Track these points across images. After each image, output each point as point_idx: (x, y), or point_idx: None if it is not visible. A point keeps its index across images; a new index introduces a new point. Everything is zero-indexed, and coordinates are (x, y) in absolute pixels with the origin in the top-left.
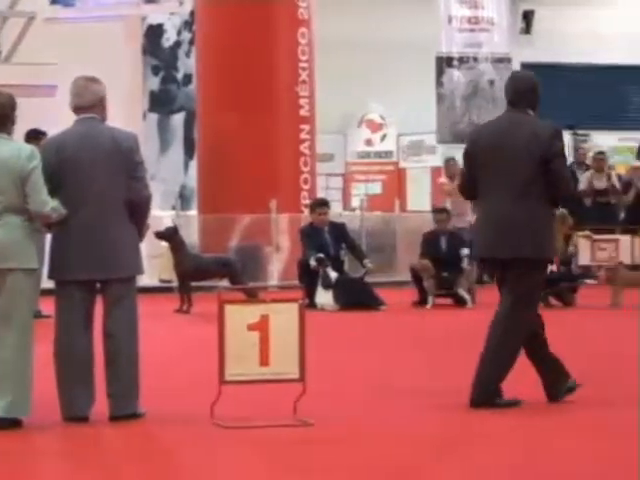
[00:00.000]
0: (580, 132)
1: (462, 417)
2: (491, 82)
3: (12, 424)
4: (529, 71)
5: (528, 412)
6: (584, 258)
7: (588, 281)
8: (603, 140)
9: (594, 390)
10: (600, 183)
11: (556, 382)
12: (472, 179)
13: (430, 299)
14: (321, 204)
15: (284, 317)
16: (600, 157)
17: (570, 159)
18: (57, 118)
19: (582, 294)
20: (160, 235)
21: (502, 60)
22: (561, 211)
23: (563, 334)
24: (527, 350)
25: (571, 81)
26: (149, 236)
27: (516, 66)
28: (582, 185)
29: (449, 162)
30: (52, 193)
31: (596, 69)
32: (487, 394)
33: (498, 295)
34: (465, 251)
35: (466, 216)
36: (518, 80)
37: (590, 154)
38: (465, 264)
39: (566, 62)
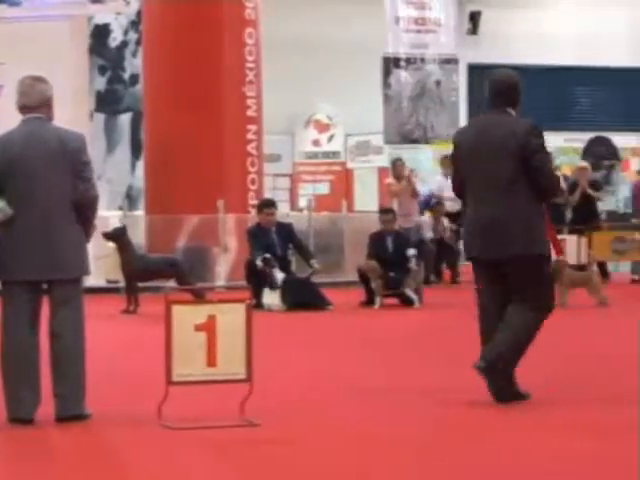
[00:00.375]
0: None
1: (413, 415)
2: (438, 83)
3: None
4: (508, 69)
5: (493, 409)
6: None
7: None
8: (549, 141)
9: (562, 390)
10: None
11: None
12: (460, 180)
13: (377, 299)
14: (268, 204)
15: (231, 318)
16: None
17: None
18: (3, 118)
19: None
20: (108, 236)
21: (449, 61)
22: None
23: None
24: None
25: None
26: (96, 236)
27: (463, 67)
28: None
29: (396, 162)
30: None
31: (542, 70)
32: (510, 386)
33: (474, 294)
34: (411, 251)
35: (413, 216)
36: (497, 79)
37: None
38: (412, 264)
39: (512, 63)
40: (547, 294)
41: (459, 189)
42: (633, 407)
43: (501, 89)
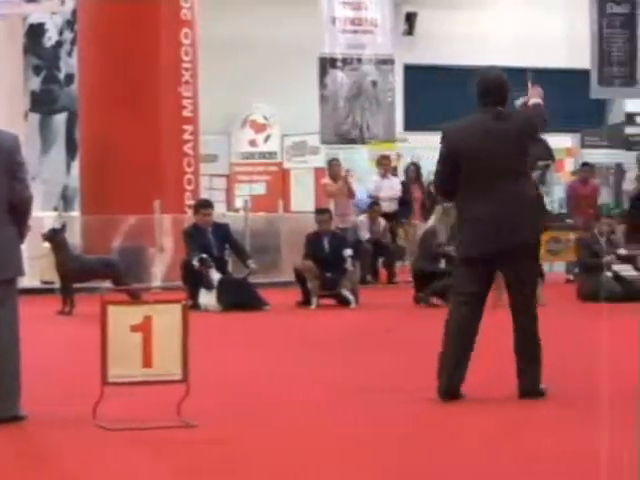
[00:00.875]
0: None
1: (350, 412)
2: (374, 83)
3: None
4: (496, 67)
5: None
6: None
7: None
8: None
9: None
10: None
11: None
12: (455, 179)
13: (314, 300)
14: (205, 205)
15: (167, 318)
16: None
17: None
18: None
19: None
20: (45, 236)
21: (385, 61)
22: (447, 205)
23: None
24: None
25: (453, 82)
26: (30, 237)
27: (399, 68)
28: None
29: (332, 163)
30: None
31: (477, 70)
32: (535, 384)
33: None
34: (348, 251)
35: (349, 216)
36: (487, 79)
37: None
38: (348, 264)
39: (448, 64)
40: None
41: (451, 187)
42: (578, 405)
43: (491, 88)
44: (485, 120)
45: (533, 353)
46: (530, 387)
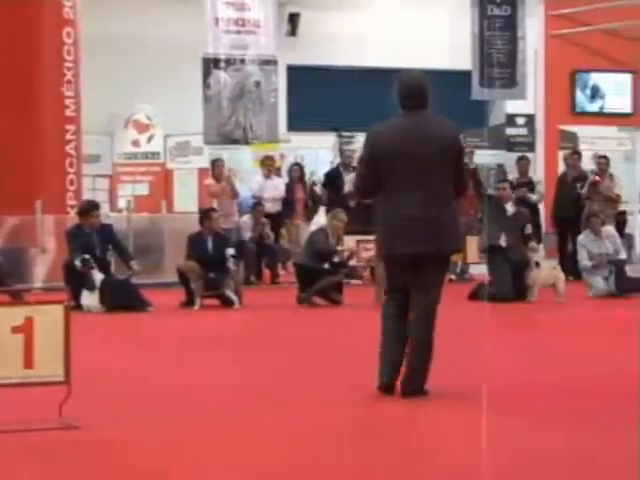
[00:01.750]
0: (345, 134)
1: (232, 413)
2: (257, 83)
3: None
4: (416, 69)
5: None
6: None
7: (353, 281)
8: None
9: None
10: None
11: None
12: (375, 180)
13: (197, 300)
14: (93, 207)
15: (49, 319)
16: None
17: (337, 160)
18: None
19: (348, 293)
20: None
21: (268, 62)
22: (335, 210)
23: (332, 332)
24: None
25: (336, 83)
26: None
27: (282, 68)
28: (347, 187)
29: (216, 163)
30: None
31: (360, 71)
32: (418, 385)
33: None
34: (230, 251)
35: (233, 217)
36: (409, 82)
37: (356, 156)
38: (230, 264)
39: (331, 64)
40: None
41: (372, 188)
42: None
43: (413, 91)
44: (407, 123)
45: (423, 357)
46: (414, 387)
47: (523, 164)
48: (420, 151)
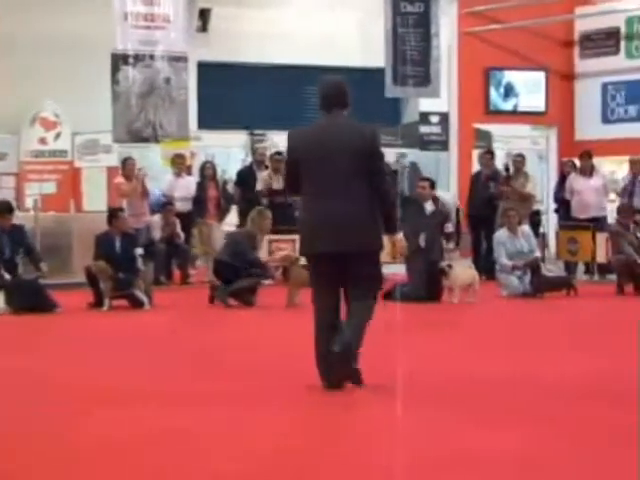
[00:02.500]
0: (257, 132)
1: (126, 418)
2: (167, 80)
3: None
4: (337, 75)
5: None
6: (264, 258)
7: (266, 282)
8: (280, 140)
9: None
10: (277, 184)
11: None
12: (296, 180)
13: (106, 301)
14: (6, 209)
15: None
16: (277, 158)
17: (249, 159)
18: None
19: (260, 294)
20: None
21: (178, 59)
22: (257, 208)
23: (245, 334)
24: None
25: (247, 80)
26: None
27: (192, 65)
28: (260, 185)
29: (126, 161)
30: None
31: (272, 69)
32: (346, 374)
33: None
34: (139, 250)
35: (143, 216)
36: (329, 85)
37: (268, 154)
38: (139, 264)
39: (242, 61)
40: (379, 285)
41: (295, 188)
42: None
43: (334, 94)
44: (325, 125)
45: (358, 328)
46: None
47: (488, 158)
48: (337, 152)
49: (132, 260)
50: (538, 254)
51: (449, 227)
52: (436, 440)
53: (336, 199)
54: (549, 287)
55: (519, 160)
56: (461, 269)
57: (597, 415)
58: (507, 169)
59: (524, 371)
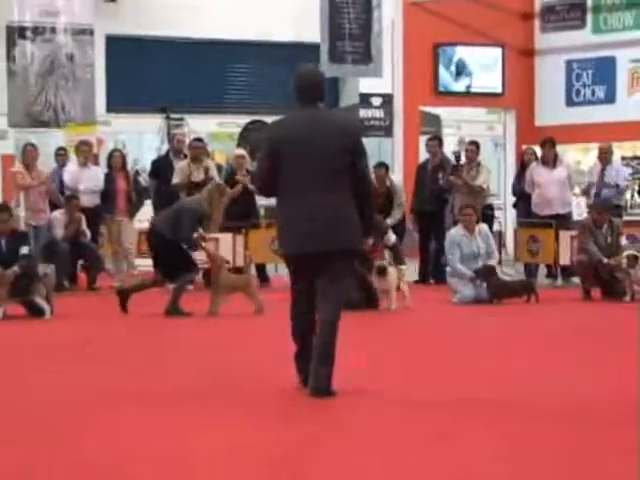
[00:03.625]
0: (174, 116)
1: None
2: (71, 57)
3: None
4: (313, 65)
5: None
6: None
7: (190, 286)
8: (200, 125)
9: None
10: (197, 175)
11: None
12: (274, 175)
13: (0, 309)
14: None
15: None
16: (197, 145)
17: (165, 146)
18: None
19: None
20: None
21: (83, 32)
22: (218, 182)
23: (163, 341)
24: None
25: (164, 57)
26: None
27: (100, 39)
28: (177, 177)
29: (27, 148)
30: None
31: (193, 44)
32: (327, 384)
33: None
34: (24, 250)
35: (44, 212)
36: (306, 75)
37: (187, 141)
38: (38, 267)
39: (158, 35)
40: (348, 284)
41: (272, 184)
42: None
43: (313, 87)
44: (308, 119)
45: (327, 353)
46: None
47: (435, 145)
48: (320, 148)
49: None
50: (496, 257)
51: (389, 239)
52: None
53: (320, 196)
54: (506, 293)
55: (472, 149)
56: (393, 269)
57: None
58: (457, 158)
59: (465, 390)
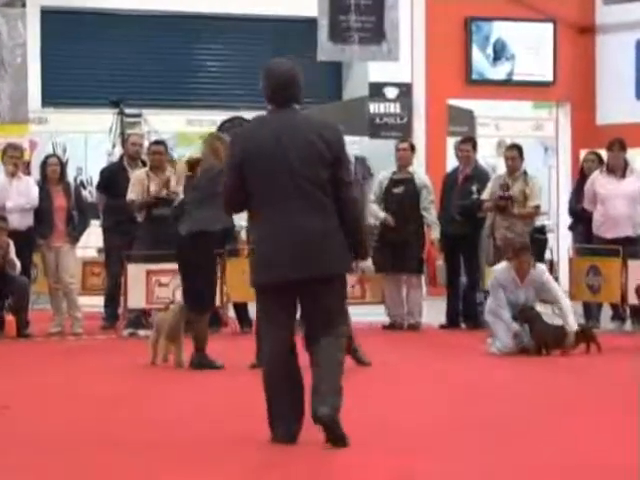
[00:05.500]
0: (130, 111)
1: None
2: None
3: None
4: (284, 59)
5: None
6: None
7: (140, 332)
8: (163, 123)
9: None
10: (158, 188)
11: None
12: (242, 190)
13: None
14: None
15: None
16: (157, 149)
17: (117, 150)
18: None
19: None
20: None
21: (12, 3)
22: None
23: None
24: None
25: (115, 36)
26: None
27: (34, 11)
28: (132, 192)
29: None
30: None
31: (152, 18)
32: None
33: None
34: None
35: None
36: (278, 72)
37: (146, 143)
38: None
39: (107, 8)
40: (346, 316)
41: (241, 200)
42: None
43: (287, 85)
44: (278, 122)
45: (333, 386)
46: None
47: (468, 149)
48: (295, 158)
49: None
50: (568, 306)
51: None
52: None
53: (298, 214)
54: (557, 342)
55: (512, 155)
56: None
57: None
58: (506, 189)
59: None
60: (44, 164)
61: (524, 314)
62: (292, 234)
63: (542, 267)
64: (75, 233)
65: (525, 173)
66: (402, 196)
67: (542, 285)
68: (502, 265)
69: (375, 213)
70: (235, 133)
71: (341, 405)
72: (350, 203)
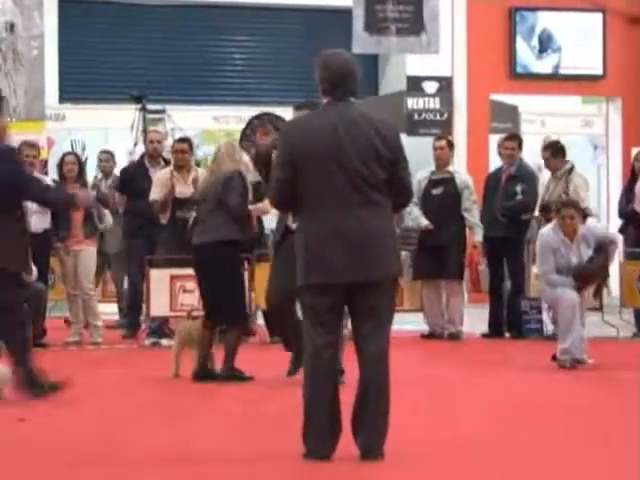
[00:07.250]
0: (152, 107)
1: None
2: (11, 26)
3: None
4: (343, 50)
5: None
6: None
7: (163, 341)
8: (188, 119)
9: None
10: (185, 188)
11: None
12: (292, 189)
13: None
14: None
15: None
16: (181, 147)
17: (139, 149)
18: None
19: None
20: None
21: None
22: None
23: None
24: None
25: (137, 28)
26: None
27: (51, 3)
28: (155, 192)
29: None
30: None
31: (176, 9)
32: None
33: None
34: None
35: None
36: (338, 64)
37: (170, 141)
38: None
39: None
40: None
41: (289, 199)
42: None
43: (345, 77)
44: (337, 119)
45: (378, 407)
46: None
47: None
48: (353, 156)
49: None
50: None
51: None
52: None
53: (353, 214)
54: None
55: (546, 155)
56: None
57: None
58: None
59: None
60: (61, 163)
61: (578, 272)
62: (347, 234)
63: (592, 221)
64: (93, 235)
65: (571, 170)
66: (442, 197)
67: (593, 235)
68: (547, 227)
69: (417, 218)
70: (287, 126)
71: (385, 434)
72: (405, 202)
